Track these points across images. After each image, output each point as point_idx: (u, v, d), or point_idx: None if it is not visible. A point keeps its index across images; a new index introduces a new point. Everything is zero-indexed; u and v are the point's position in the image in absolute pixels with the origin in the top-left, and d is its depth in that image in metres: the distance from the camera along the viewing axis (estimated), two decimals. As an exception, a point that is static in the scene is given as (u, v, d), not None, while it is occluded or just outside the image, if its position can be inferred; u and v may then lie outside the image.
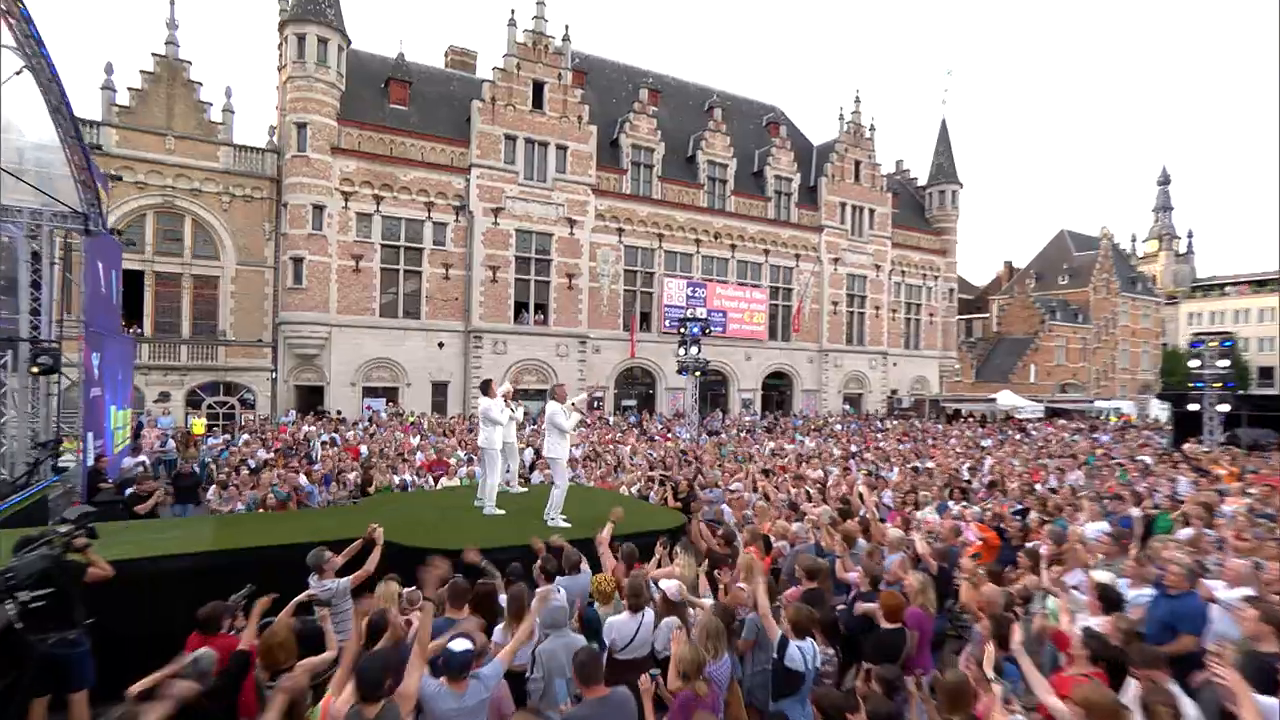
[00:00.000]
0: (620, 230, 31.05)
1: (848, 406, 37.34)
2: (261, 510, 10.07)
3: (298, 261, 24.11)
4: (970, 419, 33.70)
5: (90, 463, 11.66)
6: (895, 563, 6.10)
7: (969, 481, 12.63)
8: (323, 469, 13.29)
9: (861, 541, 7.06)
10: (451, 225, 27.37)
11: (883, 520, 8.64)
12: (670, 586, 4.99)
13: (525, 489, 9.40)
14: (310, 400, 25.00)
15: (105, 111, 21.92)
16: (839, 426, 27.86)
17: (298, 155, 24.04)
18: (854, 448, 18.93)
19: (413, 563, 5.37)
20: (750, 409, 33.99)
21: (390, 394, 26.42)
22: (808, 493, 10.28)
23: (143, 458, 13.55)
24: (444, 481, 12.42)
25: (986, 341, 53.38)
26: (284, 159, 24.41)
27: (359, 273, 25.62)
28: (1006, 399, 34.73)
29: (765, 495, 10.19)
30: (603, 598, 5.16)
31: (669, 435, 20.91)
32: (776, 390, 36.43)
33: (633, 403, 31.89)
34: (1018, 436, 25.09)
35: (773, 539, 7.35)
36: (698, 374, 21.52)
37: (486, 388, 8.67)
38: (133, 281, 22.74)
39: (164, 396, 22.43)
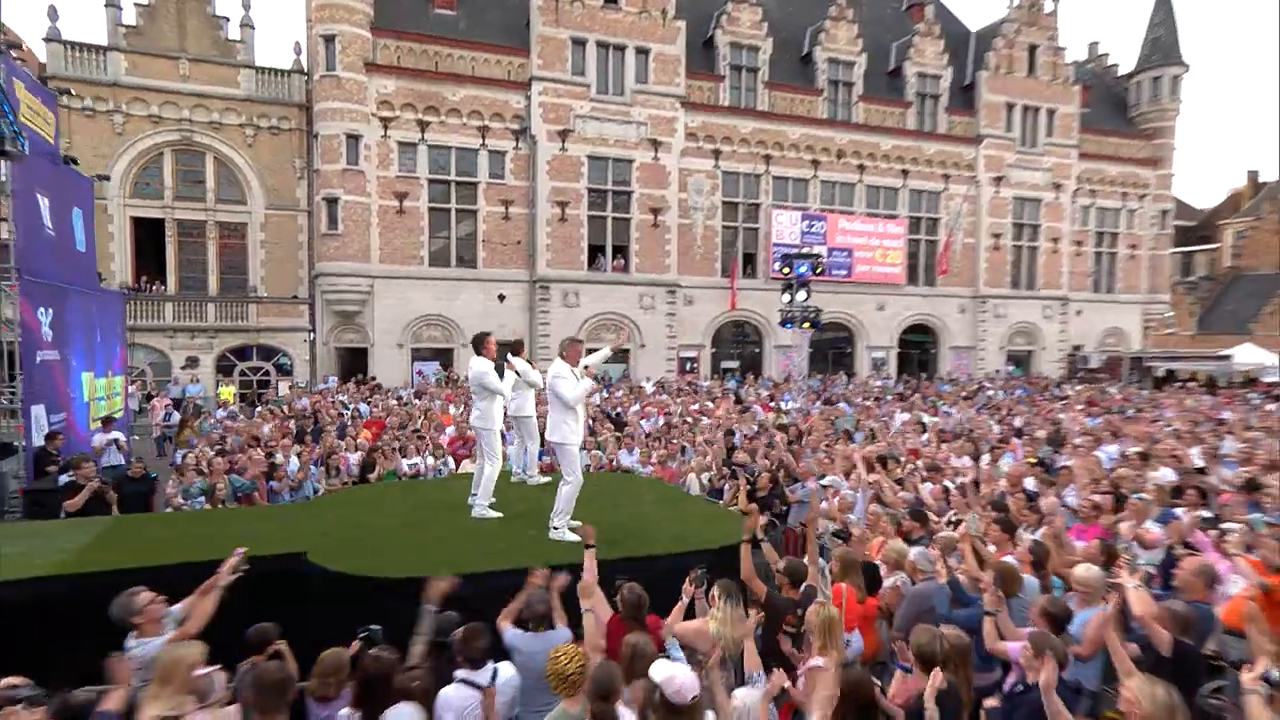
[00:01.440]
0: (717, 152, 27.26)
1: (1012, 368, 31.82)
2: (208, 506, 8.52)
3: (331, 203, 22.21)
4: (1191, 383, 27.35)
5: (40, 442, 10.25)
6: (1092, 625, 4.15)
7: (1203, 473, 9.17)
8: (320, 449, 11.41)
9: (1030, 582, 4.85)
10: (510, 154, 24.64)
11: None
12: (676, 679, 2.99)
13: (547, 478, 7.60)
14: (354, 365, 23.36)
15: (111, 34, 20.59)
16: (998, 393, 22.99)
17: (327, 75, 21.92)
18: (1019, 421, 15.01)
19: (342, 594, 4.64)
20: (882, 371, 29.45)
21: (443, 357, 24.34)
22: (946, 491, 7.83)
23: (115, 435, 11.90)
24: (466, 466, 10.40)
25: (1215, 281, 44.08)
26: (313, 81, 22.34)
27: (403, 214, 23.47)
28: (1248, 355, 27.88)
29: (878, 496, 7.85)
30: (565, 687, 3.31)
31: (771, 405, 17.25)
32: (917, 348, 31.59)
33: (734, 365, 28.37)
34: (1270, 408, 19.31)
35: (882, 569, 5.49)
36: (808, 327, 17.52)
37: (480, 343, 6.93)
38: (154, 232, 21.70)
39: (192, 362, 21.40)
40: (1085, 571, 4.53)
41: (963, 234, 30.79)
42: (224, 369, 22.31)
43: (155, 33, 21.04)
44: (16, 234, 10.40)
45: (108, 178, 18.05)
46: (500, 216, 24.76)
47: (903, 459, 9.75)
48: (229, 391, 19.48)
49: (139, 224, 21.57)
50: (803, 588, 4.49)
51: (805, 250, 24.52)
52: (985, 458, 10.12)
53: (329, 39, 21.76)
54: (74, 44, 20.38)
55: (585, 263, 25.72)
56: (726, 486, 8.77)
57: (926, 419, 15.22)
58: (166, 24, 20.93)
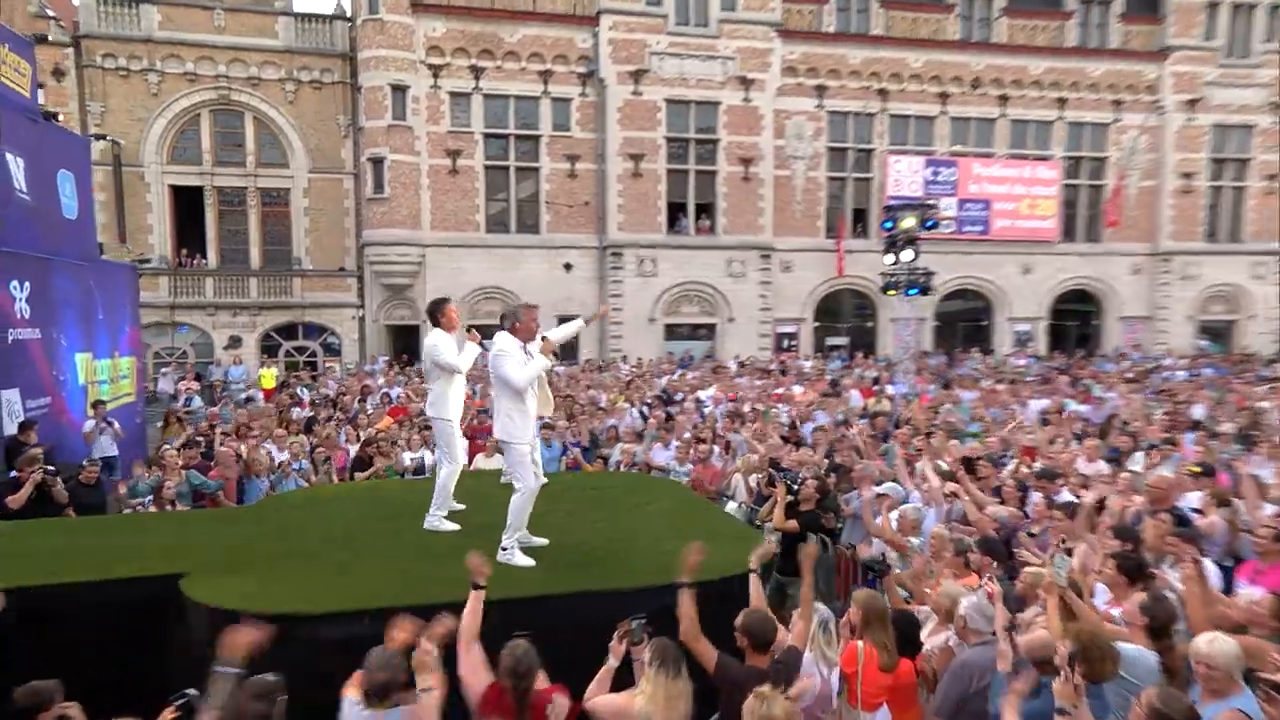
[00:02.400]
0: (821, 89, 24.29)
1: (1205, 342, 26.68)
2: (153, 508, 7.83)
3: (377, 164, 21.03)
4: None
5: (11, 430, 9.34)
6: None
7: None
8: (315, 439, 10.45)
9: (1139, 657, 3.45)
10: (577, 100, 22.81)
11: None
12: None
13: (544, 481, 6.10)
14: (407, 345, 22.17)
15: (143, -16, 20.00)
16: (1178, 374, 18.72)
17: (370, 19, 20.61)
18: (1198, 411, 11.67)
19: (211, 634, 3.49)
20: (1028, 347, 25.33)
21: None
22: (1050, 506, 5.95)
23: (107, 421, 11.01)
24: (479, 462, 9.22)
25: None
26: (356, 27, 21.05)
27: (456, 174, 22.04)
28: None
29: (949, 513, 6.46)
30: None
31: (873, 389, 14.57)
32: (1076, 319, 27.08)
33: (842, 341, 25.30)
34: None
35: (930, 622, 4.35)
36: (916, 293, 15.00)
37: (437, 311, 5.78)
38: (193, 202, 21.16)
39: (234, 342, 20.83)
40: (1215, 646, 3.16)
41: (1139, 175, 25.97)
42: (268, 349, 21.69)
43: (188, -18, 20.35)
44: None
45: (103, 137, 17.38)
46: (565, 174, 22.94)
47: (1013, 461, 8.02)
48: (270, 375, 18.59)
49: (178, 193, 21.08)
50: (777, 652, 3.63)
51: (927, 201, 21.07)
52: (1139, 460, 8.03)
53: (370, -23, 20.37)
54: (106, -1, 19.95)
55: (664, 225, 23.53)
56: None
57: (1075, 407, 12.30)
58: (199, -31, 20.19)
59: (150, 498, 8.01)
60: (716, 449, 9.52)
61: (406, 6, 20.84)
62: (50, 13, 19.86)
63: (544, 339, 5.12)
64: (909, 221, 14.59)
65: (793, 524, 6.45)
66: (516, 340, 4.92)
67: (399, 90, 21.03)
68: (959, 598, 4.07)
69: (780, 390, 14.04)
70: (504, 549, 4.83)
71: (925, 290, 15.48)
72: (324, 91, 21.55)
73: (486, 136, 22.37)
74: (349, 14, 21.76)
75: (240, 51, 20.76)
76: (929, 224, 15.43)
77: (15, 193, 10.44)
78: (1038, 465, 7.54)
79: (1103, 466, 7.70)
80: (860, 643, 3.84)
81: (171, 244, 21.11)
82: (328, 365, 21.73)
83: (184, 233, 21.44)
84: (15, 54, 11.01)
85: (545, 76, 22.44)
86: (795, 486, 6.79)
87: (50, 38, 19.56)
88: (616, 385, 15.02)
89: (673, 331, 24.01)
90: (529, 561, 4.83)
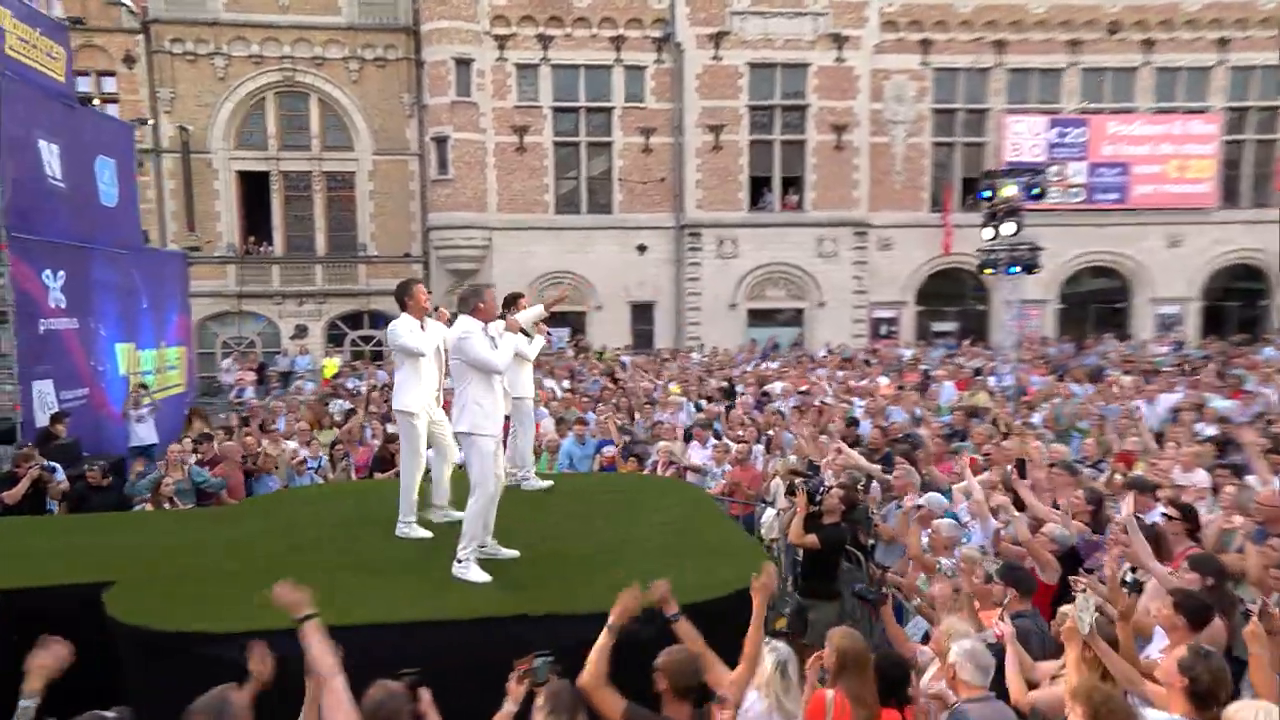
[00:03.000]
0: (925, 44, 22.41)
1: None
2: (149, 506, 7.56)
3: (440, 143, 20.61)
4: None
5: (44, 422, 9.56)
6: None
7: None
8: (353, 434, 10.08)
9: None
10: (652, 68, 21.87)
11: None
12: None
13: (549, 482, 6.78)
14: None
15: (211, -32, 20.21)
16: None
17: (431, -12, 20.09)
18: None
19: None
20: (1175, 332, 22.45)
21: (574, 322, 22.20)
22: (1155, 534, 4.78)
23: (142, 411, 11.04)
24: None
25: None
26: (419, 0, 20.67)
27: (524, 152, 21.43)
28: None
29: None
30: None
31: (972, 379, 13.19)
32: (1240, 299, 23.88)
33: (949, 327, 23.26)
34: None
35: (932, 666, 3.85)
36: (1018, 272, 13.29)
37: (405, 293, 5.24)
38: (259, 188, 21.38)
39: (300, 331, 20.97)
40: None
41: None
42: (334, 338, 21.79)
43: (254, -38, 20.44)
44: (4, 185, 9.36)
45: (145, 120, 17.57)
46: (639, 149, 21.99)
47: (1105, 469, 7.05)
48: (333, 365, 18.52)
49: (245, 179, 21.34)
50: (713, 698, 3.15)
51: (1048, 163, 18.90)
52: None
53: (431, -55, 19.90)
54: (173, -18, 20.33)
55: (746, 201, 22.27)
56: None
57: (1219, 404, 10.37)
58: (264, -50, 20.24)
59: (148, 495, 7.71)
60: (759, 449, 8.82)
61: (469, -26, 20.31)
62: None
63: (509, 319, 4.96)
64: (1010, 189, 12.81)
65: (812, 539, 5.87)
66: (478, 322, 4.69)
67: (463, 64, 20.53)
68: (960, 638, 3.52)
69: (864, 382, 12.56)
70: (459, 561, 4.60)
71: (1030, 268, 13.61)
72: (388, 69, 21.32)
73: (555, 111, 21.65)
74: (413, -13, 21.43)
75: (305, 30, 20.77)
76: (1035, 192, 13.49)
77: (47, 180, 10.44)
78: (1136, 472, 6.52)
79: (1200, 476, 6.49)
80: (830, 691, 3.38)
81: (239, 231, 21.44)
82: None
83: (252, 219, 21.73)
84: (48, 38, 11.07)
85: (617, 43, 21.47)
86: (819, 495, 6.15)
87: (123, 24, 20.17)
88: (681, 376, 13.98)
89: (757, 317, 22.64)
90: (484, 577, 4.52)
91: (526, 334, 5.89)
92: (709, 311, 22.08)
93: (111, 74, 20.24)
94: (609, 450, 9.09)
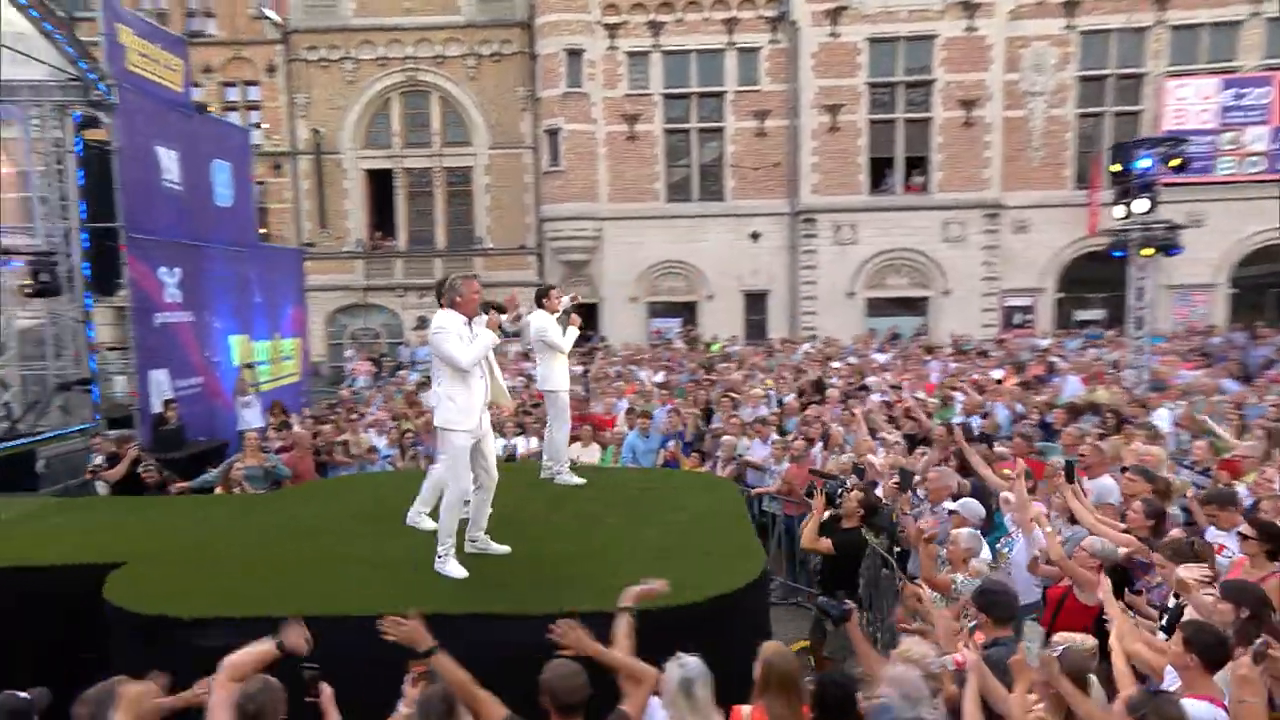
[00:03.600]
0: (1070, 5, 20.64)
1: None
2: (222, 489, 7.78)
3: (552, 135, 20.85)
4: None
5: (158, 408, 10.22)
6: None
7: None
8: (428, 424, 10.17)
9: None
10: (765, 49, 21.30)
11: None
12: None
13: (581, 481, 6.47)
14: (587, 324, 21.87)
15: (341, -24, 21.34)
16: None
17: (544, -18, 20.37)
18: None
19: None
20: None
21: (685, 312, 21.93)
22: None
23: (249, 397, 11.68)
24: (575, 451, 8.48)
25: None
26: (534, -7, 21.06)
27: (635, 141, 21.41)
28: None
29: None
30: None
31: (1106, 375, 11.96)
32: None
33: (1096, 314, 21.38)
34: None
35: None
36: (1151, 253, 11.85)
37: (450, 290, 4.84)
38: (384, 185, 22.42)
39: (421, 323, 21.64)
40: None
41: None
42: (454, 329, 22.47)
43: (380, -33, 21.43)
44: (122, 189, 10.14)
45: (258, 125, 18.49)
46: (753, 133, 21.47)
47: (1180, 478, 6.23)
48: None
49: (372, 177, 22.40)
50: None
51: (1220, 130, 16.86)
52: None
53: (544, -61, 20.15)
54: (311, -7, 21.63)
55: (865, 184, 21.29)
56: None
57: None
58: (390, -44, 21.17)
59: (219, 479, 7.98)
60: (819, 446, 8.29)
61: (582, -36, 20.39)
62: (267, 12, 21.79)
63: (490, 317, 4.62)
64: (1144, 162, 11.40)
65: (826, 544, 5.53)
66: (460, 316, 4.48)
67: (574, 55, 20.70)
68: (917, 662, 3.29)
69: (976, 376, 11.62)
70: (439, 557, 4.62)
71: (1167, 250, 12.09)
72: (503, 64, 21.78)
73: (666, 98, 21.45)
74: (527, -19, 21.78)
75: (426, 31, 21.56)
76: (1173, 164, 11.95)
77: (164, 183, 11.09)
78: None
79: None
80: (748, 708, 3.15)
81: (366, 227, 22.55)
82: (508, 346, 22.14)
83: (379, 215, 22.81)
84: (167, 51, 11.78)
85: (730, 25, 20.99)
86: (838, 498, 5.74)
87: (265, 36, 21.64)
88: (781, 369, 13.49)
89: (877, 307, 21.60)
90: (461, 573, 4.52)
91: (511, 334, 5.80)
92: (825, 300, 21.27)
93: (256, 83, 21.78)
94: (672, 445, 8.88)
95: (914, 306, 21.72)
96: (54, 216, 10.45)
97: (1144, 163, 11.96)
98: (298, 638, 3.05)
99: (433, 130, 22.20)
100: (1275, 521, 4.28)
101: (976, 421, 8.57)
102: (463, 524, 4.82)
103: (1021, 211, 21.02)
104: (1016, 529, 5.19)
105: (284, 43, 21.51)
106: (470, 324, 4.50)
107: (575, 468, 6.76)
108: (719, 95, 21.39)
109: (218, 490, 7.62)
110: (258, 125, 19.27)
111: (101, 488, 7.84)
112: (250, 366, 12.31)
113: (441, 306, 4.62)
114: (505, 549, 4.94)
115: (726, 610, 4.12)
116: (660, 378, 13.34)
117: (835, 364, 14.32)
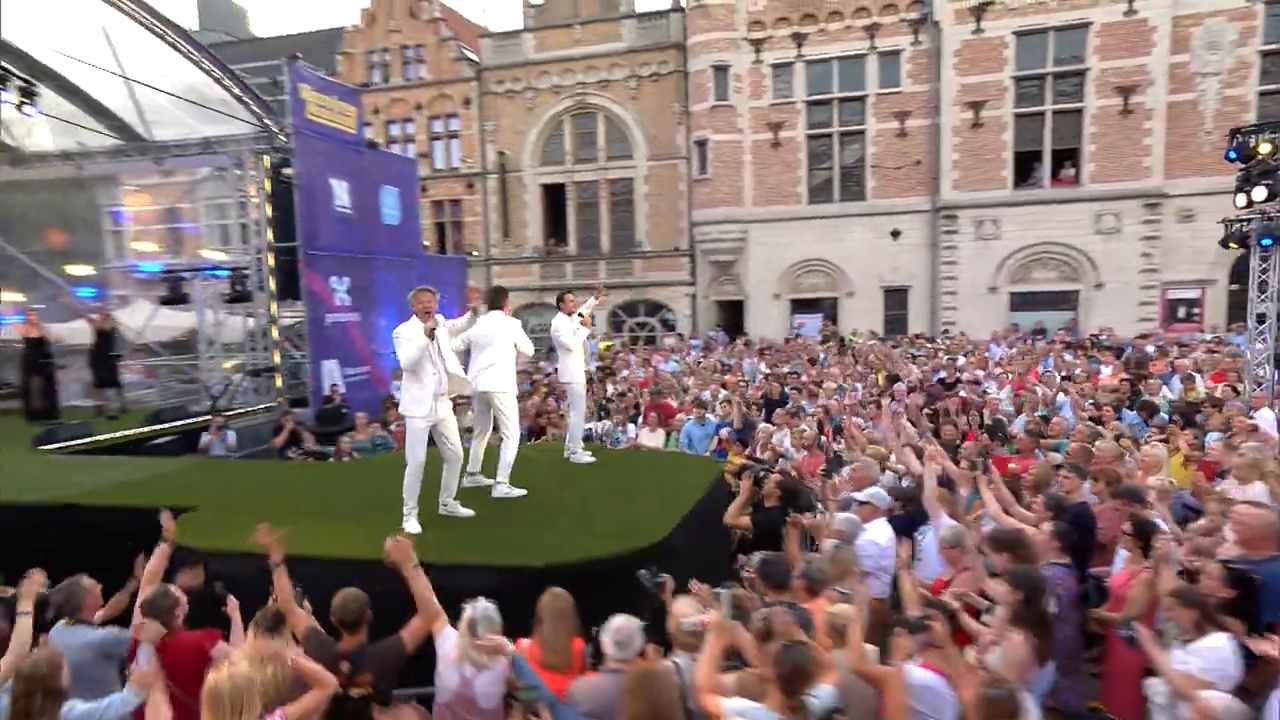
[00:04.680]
0: None
1: None
2: (334, 459, 9.59)
3: (701, 145, 22.87)
4: None
5: (327, 391, 12.31)
6: None
7: None
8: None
9: None
10: (907, 52, 21.87)
11: None
12: None
13: (591, 459, 7.43)
14: (734, 319, 23.95)
15: (524, 18, 24.58)
16: None
17: (692, 7, 22.42)
18: None
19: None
20: None
21: (827, 308, 23.17)
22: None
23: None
24: (644, 436, 9.95)
25: None
26: (686, 16, 23.06)
27: (778, 147, 22.85)
28: None
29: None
30: None
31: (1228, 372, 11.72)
32: None
33: (1272, 308, 19.84)
34: None
35: None
36: (1272, 245, 11.34)
37: (499, 297, 6.55)
38: (557, 197, 25.58)
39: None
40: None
41: None
42: (615, 325, 25.26)
43: (555, 6, 24.36)
44: (300, 216, 12.21)
45: (425, 155, 21.66)
46: (894, 133, 22.12)
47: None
48: (606, 346, 21.97)
49: (547, 191, 25.64)
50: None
51: None
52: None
53: (695, -35, 22.08)
54: (498, 34, 25.10)
55: (1009, 180, 21.30)
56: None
57: None
58: (563, -2, 24.13)
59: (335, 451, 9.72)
60: (831, 436, 8.96)
61: (728, -13, 22.11)
62: (468, 53, 25.60)
63: (476, 312, 5.82)
64: (1266, 146, 11.02)
65: (745, 521, 5.82)
66: (418, 323, 5.28)
67: (720, 70, 22.46)
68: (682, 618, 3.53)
69: (1075, 372, 12.10)
70: (405, 515, 5.35)
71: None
72: (660, 83, 23.98)
73: (809, 104, 22.60)
74: (682, 2, 23.71)
75: (593, 59, 24.24)
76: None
77: (336, 208, 13.17)
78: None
79: (1258, 490, 5.53)
80: (527, 641, 3.55)
81: (543, 236, 25.86)
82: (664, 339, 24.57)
83: (553, 224, 26.07)
84: (343, 101, 13.98)
85: (871, 31, 21.75)
86: (762, 480, 6.02)
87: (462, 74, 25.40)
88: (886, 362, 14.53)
89: (1022, 301, 21.59)
90: (415, 529, 5.18)
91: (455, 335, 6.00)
92: (965, 295, 21.60)
93: (455, 115, 25.71)
94: (724, 432, 9.21)
95: (1063, 301, 21.44)
96: (248, 239, 12.69)
97: (1266, 146, 11.62)
98: (169, 522, 4.21)
99: (599, 147, 24.92)
100: (1152, 520, 4.68)
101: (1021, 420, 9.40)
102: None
103: (1188, 200, 20.06)
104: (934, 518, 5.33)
105: (477, 79, 25.21)
106: (433, 330, 5.24)
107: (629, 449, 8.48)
108: (860, 99, 22.21)
109: (331, 460, 9.32)
110: (424, 155, 22.62)
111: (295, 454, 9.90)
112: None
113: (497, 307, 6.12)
114: (469, 512, 5.70)
115: (621, 567, 4.46)
116: (763, 368, 14.89)
117: (961, 359, 14.79)
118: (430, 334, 5.24)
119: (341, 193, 13.08)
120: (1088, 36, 20.20)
